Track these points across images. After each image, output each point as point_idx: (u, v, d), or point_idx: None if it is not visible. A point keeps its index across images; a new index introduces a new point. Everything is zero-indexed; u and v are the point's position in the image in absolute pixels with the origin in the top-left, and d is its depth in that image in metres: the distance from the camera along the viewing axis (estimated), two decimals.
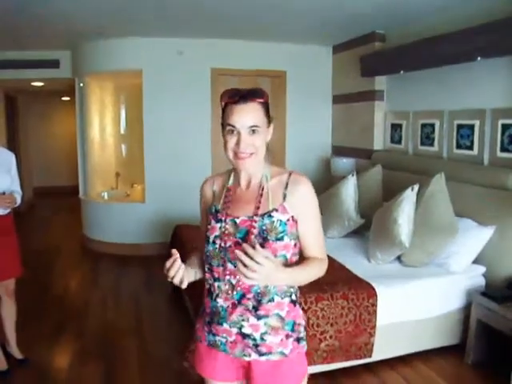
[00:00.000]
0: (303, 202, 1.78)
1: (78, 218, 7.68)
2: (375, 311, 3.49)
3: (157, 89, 6.54)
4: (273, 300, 1.75)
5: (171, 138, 6.68)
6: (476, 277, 3.95)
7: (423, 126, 5.36)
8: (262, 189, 1.82)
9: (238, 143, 1.74)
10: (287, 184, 1.80)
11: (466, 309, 3.85)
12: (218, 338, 1.83)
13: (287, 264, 1.75)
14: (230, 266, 1.76)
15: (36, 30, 5.76)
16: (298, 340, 1.82)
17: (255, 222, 1.75)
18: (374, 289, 3.55)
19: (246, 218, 1.77)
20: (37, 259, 6.40)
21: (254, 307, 1.75)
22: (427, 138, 5.28)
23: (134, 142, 7.62)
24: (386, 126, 6.10)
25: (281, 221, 1.74)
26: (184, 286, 1.77)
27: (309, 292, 3.35)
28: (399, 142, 5.83)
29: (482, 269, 3.98)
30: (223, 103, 1.79)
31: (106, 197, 7.54)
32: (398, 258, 4.18)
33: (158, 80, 6.54)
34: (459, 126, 4.78)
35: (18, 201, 3.56)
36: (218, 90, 6.54)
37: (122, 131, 8.04)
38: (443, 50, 4.57)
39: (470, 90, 4.67)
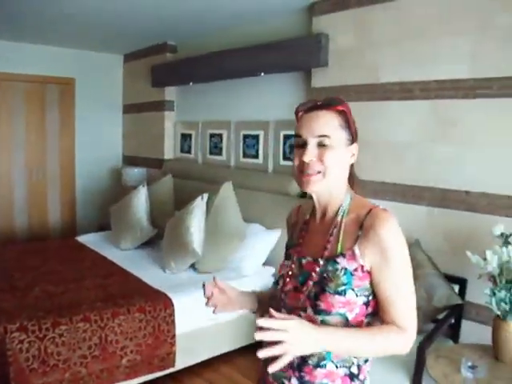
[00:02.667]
0: (380, 248, 1.36)
1: None
2: (173, 321, 3.51)
3: None
4: (324, 366, 1.39)
5: None
6: (267, 278, 4.18)
7: (212, 135, 5.56)
8: (336, 225, 1.47)
9: (303, 156, 1.44)
10: (363, 222, 1.41)
11: None
12: None
13: (346, 325, 1.37)
14: (284, 312, 1.45)
15: None
16: None
17: (318, 266, 1.43)
18: (170, 299, 3.57)
19: (311, 259, 1.47)
20: None
21: (298, 366, 1.41)
22: (215, 147, 5.49)
23: None
24: (176, 135, 6.20)
25: (346, 269, 1.38)
26: (214, 312, 1.70)
27: (104, 308, 3.27)
28: (189, 151, 5.97)
29: (272, 270, 4.24)
30: (298, 115, 1.52)
31: None
32: (193, 266, 4.25)
33: None
34: (245, 136, 5.06)
35: None
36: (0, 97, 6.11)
37: None
38: (229, 65, 4.81)
39: (256, 102, 4.98)
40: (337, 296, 1.36)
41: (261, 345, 1.27)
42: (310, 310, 1.40)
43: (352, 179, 1.55)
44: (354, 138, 1.48)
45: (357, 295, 1.37)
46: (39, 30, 5.55)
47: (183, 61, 5.64)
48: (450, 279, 3.31)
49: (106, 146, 7.11)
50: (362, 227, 1.39)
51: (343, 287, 1.36)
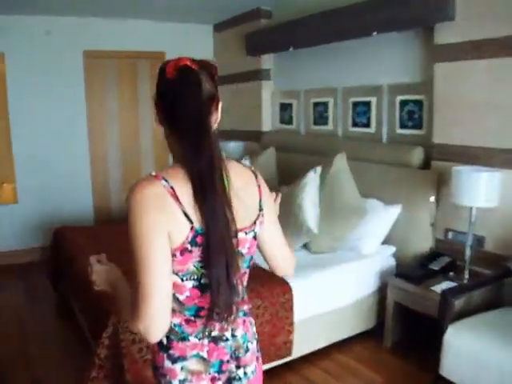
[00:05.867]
0: None
1: None
2: (291, 307, 3.25)
3: (23, 75, 5.70)
4: None
5: (43, 130, 5.91)
6: (387, 257, 3.85)
7: (316, 104, 5.19)
8: None
9: None
10: None
11: (379, 291, 3.75)
12: None
13: None
14: None
15: None
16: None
17: None
18: (287, 283, 3.29)
19: None
20: None
21: None
22: (321, 117, 5.13)
23: None
24: (274, 106, 5.90)
25: None
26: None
27: None
28: (290, 122, 5.65)
29: (392, 249, 3.87)
30: None
31: None
32: (305, 246, 3.95)
33: (23, 65, 5.70)
34: (355, 104, 4.65)
35: None
36: (93, 75, 6.03)
37: None
38: (336, 26, 4.39)
39: (365, 65, 4.55)
40: None
41: None
42: None
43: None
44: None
45: None
46: (130, 3, 5.39)
47: (281, 25, 5.26)
48: None
49: None
50: None
51: None
